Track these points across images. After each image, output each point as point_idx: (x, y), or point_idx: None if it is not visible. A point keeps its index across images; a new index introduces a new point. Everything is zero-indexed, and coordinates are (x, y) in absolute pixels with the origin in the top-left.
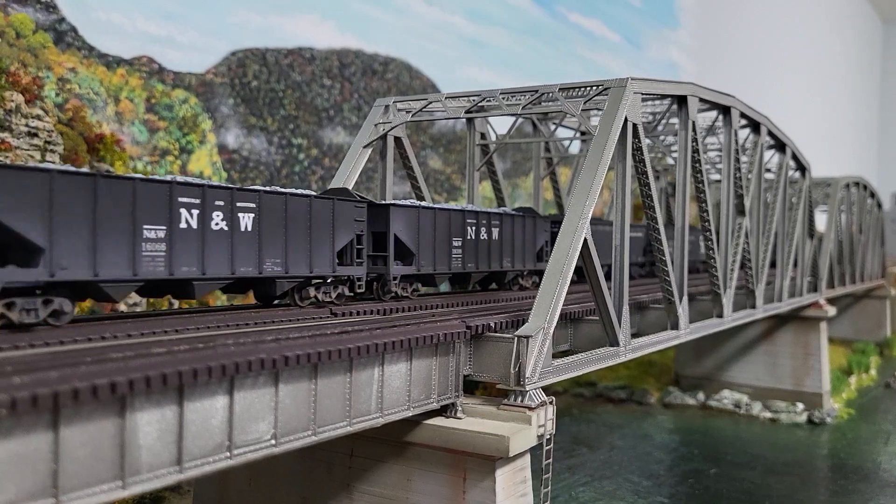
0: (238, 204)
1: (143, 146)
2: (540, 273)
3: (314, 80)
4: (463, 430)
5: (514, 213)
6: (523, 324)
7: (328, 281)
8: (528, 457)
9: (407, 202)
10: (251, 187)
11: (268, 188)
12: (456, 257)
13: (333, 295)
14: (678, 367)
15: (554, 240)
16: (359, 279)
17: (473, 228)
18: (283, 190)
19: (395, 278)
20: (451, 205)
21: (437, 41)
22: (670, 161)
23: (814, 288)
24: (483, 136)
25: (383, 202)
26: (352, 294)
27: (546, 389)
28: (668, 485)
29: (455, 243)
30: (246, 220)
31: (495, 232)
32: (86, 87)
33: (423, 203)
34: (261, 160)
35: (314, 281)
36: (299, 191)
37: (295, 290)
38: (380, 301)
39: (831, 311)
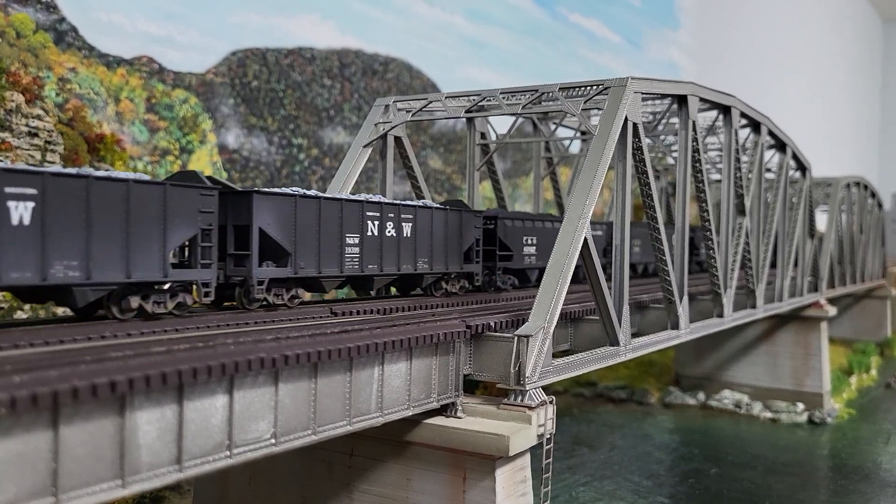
0: (7, 190)
1: (143, 146)
2: (469, 276)
3: (314, 80)
4: (463, 429)
5: (433, 206)
6: (523, 323)
7: (166, 287)
8: (527, 456)
9: (279, 190)
10: (29, 167)
11: (58, 169)
12: (351, 257)
13: (171, 305)
14: (678, 367)
15: (487, 237)
16: (205, 284)
17: (376, 223)
18: (85, 172)
19: (260, 283)
20: (347, 195)
21: (437, 41)
22: (670, 161)
23: (814, 288)
24: (483, 135)
25: (245, 189)
26: (196, 302)
27: (546, 389)
28: (669, 485)
29: (350, 241)
30: (21, 211)
31: (406, 228)
32: (86, 87)
33: (302, 191)
34: (261, 160)
35: (156, 286)
36: (111, 173)
37: (110, 299)
38: (245, 311)
39: (832, 311)
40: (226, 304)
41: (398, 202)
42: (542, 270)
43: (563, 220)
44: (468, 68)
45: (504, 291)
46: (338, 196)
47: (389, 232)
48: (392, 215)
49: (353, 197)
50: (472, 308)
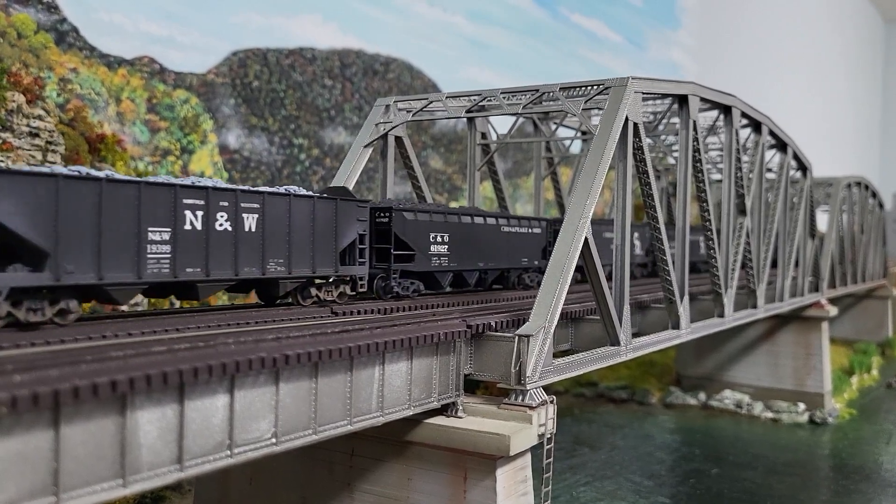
0: None
1: (144, 146)
2: (349, 281)
3: (315, 80)
4: (464, 429)
5: (292, 192)
6: (524, 323)
7: None
8: (528, 456)
9: (28, 168)
10: None
11: None
12: (157, 258)
13: None
14: (679, 367)
15: (381, 233)
16: None
17: (199, 214)
18: None
19: None
20: (150, 177)
21: (438, 42)
22: (671, 161)
23: (815, 288)
24: (484, 135)
25: None
26: None
27: (547, 389)
28: (670, 485)
29: (155, 236)
30: None
31: (250, 220)
32: (87, 88)
33: (86, 170)
34: (262, 160)
35: None
36: None
37: None
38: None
39: (833, 311)
40: None
41: (236, 187)
42: (458, 274)
43: (495, 214)
44: (469, 68)
45: (499, 291)
46: (133, 178)
47: (221, 225)
48: (226, 204)
49: (159, 179)
50: (472, 308)
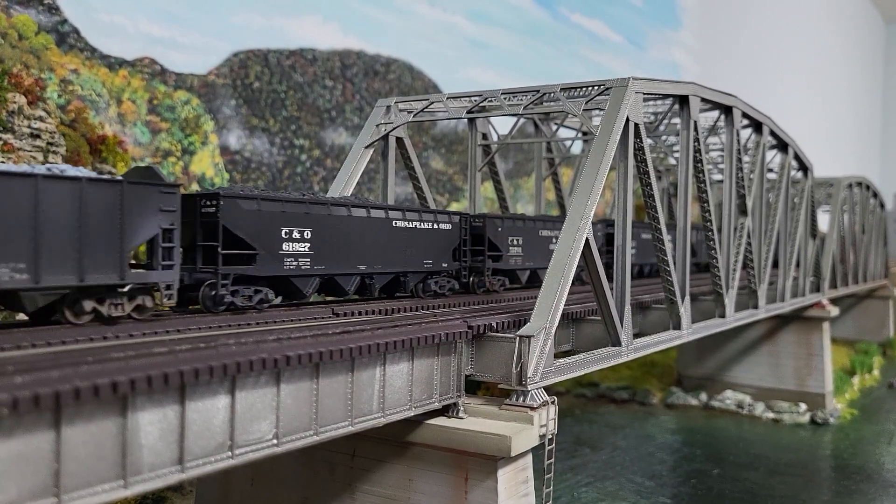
0: None
1: (145, 147)
2: (147, 290)
3: (316, 81)
4: (465, 430)
5: (38, 173)
6: (525, 324)
7: None
8: (529, 457)
9: None
10: None
11: None
12: None
13: None
14: (680, 368)
15: (202, 226)
16: None
17: None
18: None
19: None
20: None
21: (438, 42)
22: (672, 161)
23: (816, 288)
24: (485, 136)
25: None
26: None
27: (548, 389)
28: (671, 485)
29: None
30: None
31: None
32: (88, 89)
33: None
34: (263, 161)
35: None
36: None
37: None
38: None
39: (834, 311)
40: None
41: None
42: (329, 279)
43: (384, 206)
44: (470, 69)
45: (494, 293)
46: None
47: None
48: None
49: None
50: (474, 308)
